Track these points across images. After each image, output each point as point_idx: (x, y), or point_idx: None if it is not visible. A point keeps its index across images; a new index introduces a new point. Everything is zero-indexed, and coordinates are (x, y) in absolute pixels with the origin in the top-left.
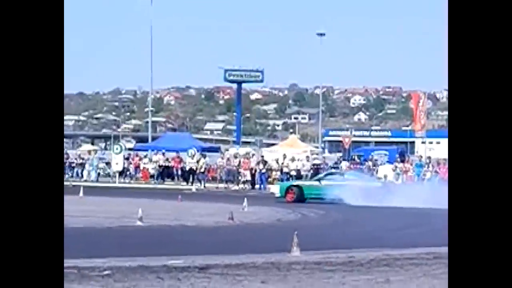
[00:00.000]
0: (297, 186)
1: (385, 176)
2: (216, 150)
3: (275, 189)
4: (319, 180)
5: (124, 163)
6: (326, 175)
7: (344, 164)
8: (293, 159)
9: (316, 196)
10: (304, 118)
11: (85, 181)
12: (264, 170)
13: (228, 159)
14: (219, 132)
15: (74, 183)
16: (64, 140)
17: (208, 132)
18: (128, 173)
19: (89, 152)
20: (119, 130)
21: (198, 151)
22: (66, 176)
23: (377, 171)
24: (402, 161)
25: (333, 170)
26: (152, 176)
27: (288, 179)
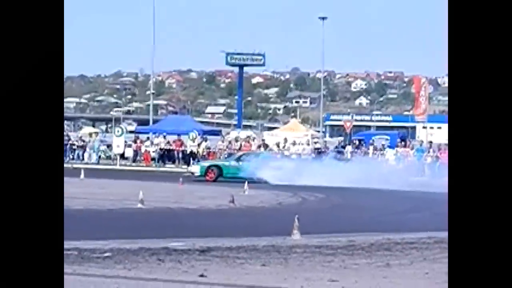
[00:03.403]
0: (216, 166)
1: (387, 161)
2: (217, 133)
3: (195, 169)
4: (237, 160)
5: (132, 146)
6: (243, 155)
7: (348, 149)
8: (294, 143)
9: (234, 175)
10: (306, 102)
11: (86, 163)
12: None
13: (229, 142)
14: (220, 115)
15: (75, 166)
16: (65, 122)
17: (209, 115)
18: (136, 156)
19: (90, 134)
20: (120, 112)
21: (199, 134)
22: (67, 158)
23: (383, 154)
24: (404, 146)
25: (250, 151)
26: (153, 159)
27: None
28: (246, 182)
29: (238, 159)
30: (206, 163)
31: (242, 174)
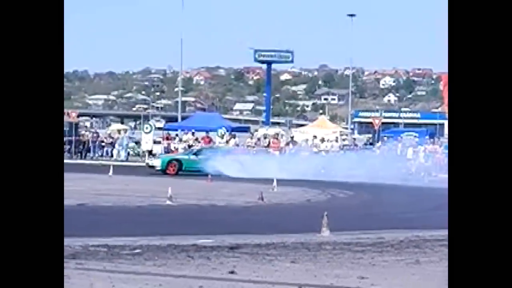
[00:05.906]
0: (176, 160)
1: (415, 158)
2: (246, 130)
3: (157, 162)
4: (195, 154)
5: (162, 143)
6: (202, 149)
7: (378, 145)
8: (322, 140)
9: (194, 169)
10: (334, 99)
11: (115, 160)
12: (293, 151)
13: (258, 139)
14: (249, 112)
15: (103, 163)
16: (94, 119)
17: (238, 112)
18: (168, 153)
19: (119, 131)
20: (148, 109)
21: (227, 131)
22: (96, 155)
23: (413, 151)
24: (432, 143)
25: (209, 145)
26: None
27: None
28: (275, 180)
29: (196, 154)
30: (167, 157)
31: (200, 168)
